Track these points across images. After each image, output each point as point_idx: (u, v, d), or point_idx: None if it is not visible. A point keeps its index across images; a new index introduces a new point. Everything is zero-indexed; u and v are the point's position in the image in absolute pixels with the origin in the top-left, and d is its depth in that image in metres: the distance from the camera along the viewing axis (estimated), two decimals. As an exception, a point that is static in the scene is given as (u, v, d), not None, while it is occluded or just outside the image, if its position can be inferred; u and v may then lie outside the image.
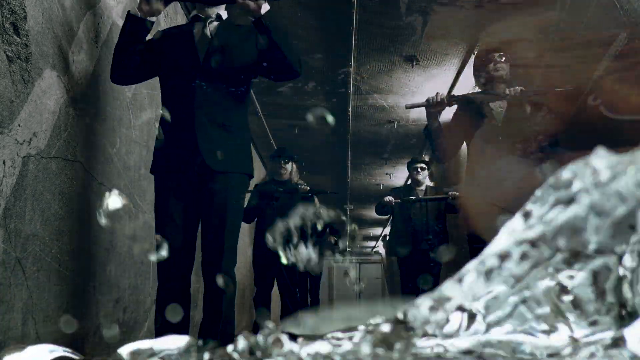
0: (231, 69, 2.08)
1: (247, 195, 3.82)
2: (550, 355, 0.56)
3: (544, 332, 0.58)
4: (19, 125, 1.62)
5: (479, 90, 2.77)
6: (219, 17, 2.17)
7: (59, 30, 1.89)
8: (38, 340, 1.72)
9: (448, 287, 0.63)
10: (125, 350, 0.64)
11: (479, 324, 0.60)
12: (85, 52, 2.11)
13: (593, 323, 0.57)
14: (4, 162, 1.54)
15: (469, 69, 4.40)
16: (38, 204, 1.73)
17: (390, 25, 3.99)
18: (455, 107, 2.74)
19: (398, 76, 4.89)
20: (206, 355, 0.61)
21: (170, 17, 3.21)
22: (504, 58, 2.65)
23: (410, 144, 6.64)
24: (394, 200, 4.47)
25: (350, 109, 5.48)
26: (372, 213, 6.46)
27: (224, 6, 2.18)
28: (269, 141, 6.55)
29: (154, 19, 2.06)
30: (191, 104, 2.02)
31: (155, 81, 2.30)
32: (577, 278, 0.59)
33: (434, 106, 2.62)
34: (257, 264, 4.18)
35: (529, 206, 0.63)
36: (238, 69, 2.10)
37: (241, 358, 0.58)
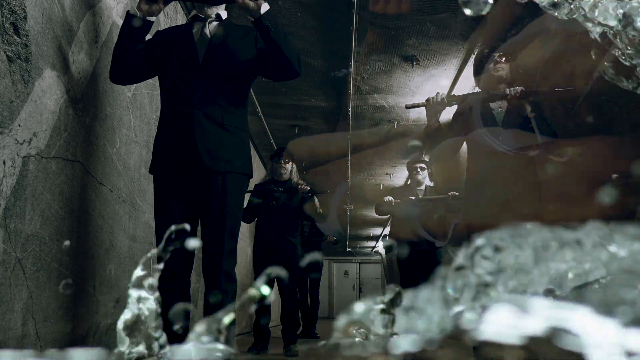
0: (230, 69, 2.08)
1: (247, 195, 3.82)
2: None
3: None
4: (19, 125, 1.62)
5: (479, 90, 2.76)
6: (218, 17, 2.17)
7: (59, 30, 1.89)
8: (38, 340, 1.72)
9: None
10: None
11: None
12: (85, 52, 2.11)
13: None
14: (4, 162, 1.54)
15: (469, 69, 4.41)
16: (38, 204, 1.73)
17: (390, 25, 3.99)
18: (455, 107, 2.74)
19: (398, 76, 4.89)
20: None
21: (170, 17, 3.21)
22: (504, 58, 2.65)
23: (410, 144, 6.64)
24: (394, 201, 4.47)
25: (350, 109, 5.48)
26: (372, 213, 6.46)
27: (224, 6, 2.19)
28: (269, 141, 6.55)
29: (153, 18, 2.06)
30: (190, 103, 2.02)
31: (155, 81, 2.31)
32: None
33: (434, 106, 2.62)
34: (257, 264, 4.18)
35: None
36: (237, 69, 2.10)
37: None
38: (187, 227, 0.81)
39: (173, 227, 0.80)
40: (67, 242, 1.91)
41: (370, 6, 2.73)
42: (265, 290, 0.68)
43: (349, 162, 7.23)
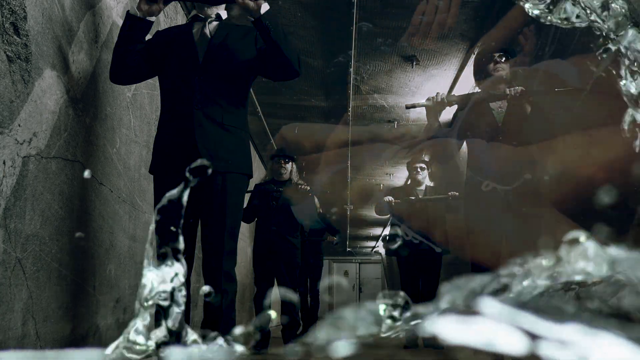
0: (230, 69, 2.08)
1: (247, 195, 3.82)
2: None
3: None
4: (19, 125, 1.62)
5: (479, 90, 2.76)
6: (218, 17, 2.17)
7: (59, 30, 1.89)
8: (38, 340, 1.72)
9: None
10: None
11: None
12: (85, 52, 2.11)
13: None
14: (4, 162, 1.54)
15: (469, 69, 4.41)
16: (38, 204, 1.73)
17: (390, 25, 3.99)
18: (455, 107, 2.74)
19: (398, 76, 4.89)
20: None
21: (170, 17, 3.21)
22: (504, 58, 2.65)
23: (410, 144, 6.63)
24: (394, 200, 4.47)
25: (350, 109, 5.48)
26: (372, 213, 6.46)
27: (224, 6, 2.19)
28: (269, 141, 6.55)
29: (153, 18, 2.06)
30: (190, 103, 2.02)
31: (155, 81, 2.31)
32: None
33: (434, 106, 2.62)
34: (257, 264, 4.18)
35: None
36: (237, 69, 2.10)
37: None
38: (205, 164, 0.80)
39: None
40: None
41: (405, 38, 2.68)
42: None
43: (349, 162, 7.22)
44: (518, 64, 2.62)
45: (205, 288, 1.67)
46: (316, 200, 4.97)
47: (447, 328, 0.52)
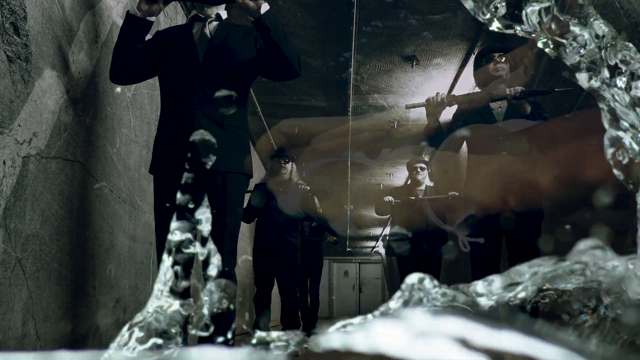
0: (230, 69, 2.08)
1: (247, 196, 3.82)
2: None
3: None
4: (19, 125, 1.62)
5: (479, 90, 2.76)
6: (218, 17, 2.17)
7: (59, 30, 1.89)
8: (38, 340, 1.72)
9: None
10: None
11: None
12: (85, 52, 2.11)
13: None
14: (4, 162, 1.54)
15: (469, 69, 4.41)
16: (38, 204, 1.73)
17: (390, 25, 3.99)
18: (455, 107, 2.74)
19: (398, 76, 4.89)
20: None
21: (170, 17, 3.21)
22: (504, 58, 2.65)
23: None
24: (394, 200, 4.47)
25: (350, 109, 5.48)
26: (372, 213, 6.46)
27: (224, 6, 2.19)
28: (269, 141, 6.55)
29: (153, 18, 2.06)
30: (190, 103, 2.02)
31: (155, 81, 2.31)
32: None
33: (434, 106, 2.62)
34: (257, 264, 4.18)
35: None
36: (237, 69, 2.10)
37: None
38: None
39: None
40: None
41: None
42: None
43: (349, 162, 7.22)
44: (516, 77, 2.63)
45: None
46: (316, 200, 4.98)
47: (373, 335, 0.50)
